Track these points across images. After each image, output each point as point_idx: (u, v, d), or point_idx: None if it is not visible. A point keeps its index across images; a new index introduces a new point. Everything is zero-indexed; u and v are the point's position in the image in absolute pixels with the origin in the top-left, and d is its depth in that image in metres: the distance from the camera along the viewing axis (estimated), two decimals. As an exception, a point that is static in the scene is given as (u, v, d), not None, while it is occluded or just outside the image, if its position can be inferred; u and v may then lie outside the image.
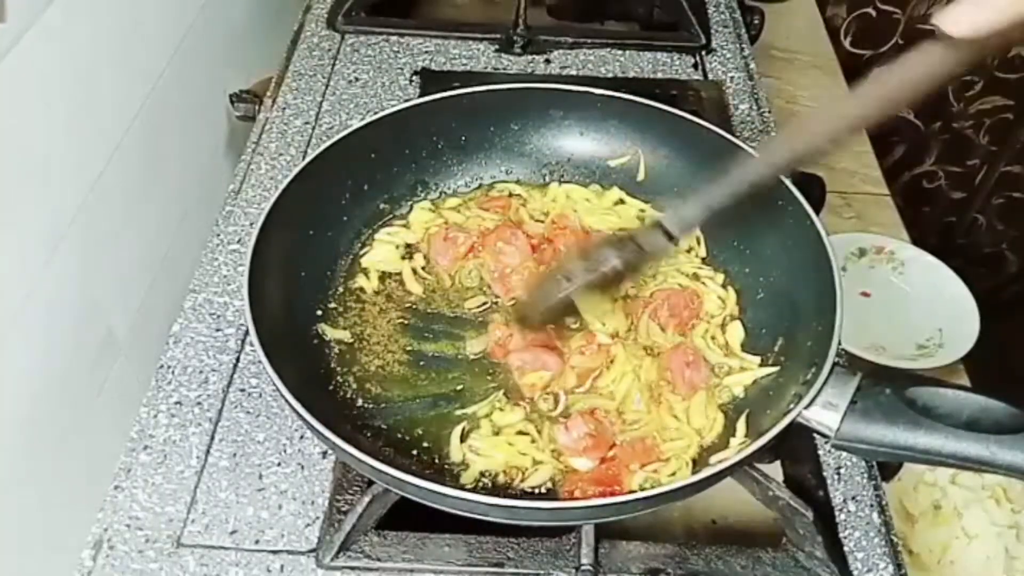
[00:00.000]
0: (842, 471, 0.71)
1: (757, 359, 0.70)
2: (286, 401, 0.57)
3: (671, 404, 0.67)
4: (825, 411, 0.56)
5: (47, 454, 0.74)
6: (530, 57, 1.11)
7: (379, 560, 0.63)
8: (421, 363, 0.71)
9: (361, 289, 0.75)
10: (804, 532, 0.64)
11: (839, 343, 0.60)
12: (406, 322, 0.74)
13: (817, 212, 0.70)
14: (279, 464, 0.70)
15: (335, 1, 1.17)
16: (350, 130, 0.77)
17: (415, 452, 0.65)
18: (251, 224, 0.87)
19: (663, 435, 0.65)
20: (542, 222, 0.81)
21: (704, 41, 1.14)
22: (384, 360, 0.71)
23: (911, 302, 1.16)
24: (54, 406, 0.75)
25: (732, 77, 1.10)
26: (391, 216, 0.81)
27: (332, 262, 0.76)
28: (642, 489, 0.61)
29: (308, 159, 0.73)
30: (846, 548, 0.66)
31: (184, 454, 0.70)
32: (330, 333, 0.71)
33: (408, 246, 0.79)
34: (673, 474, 0.63)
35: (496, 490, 0.62)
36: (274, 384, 0.57)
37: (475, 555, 0.64)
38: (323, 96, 1.03)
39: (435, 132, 0.82)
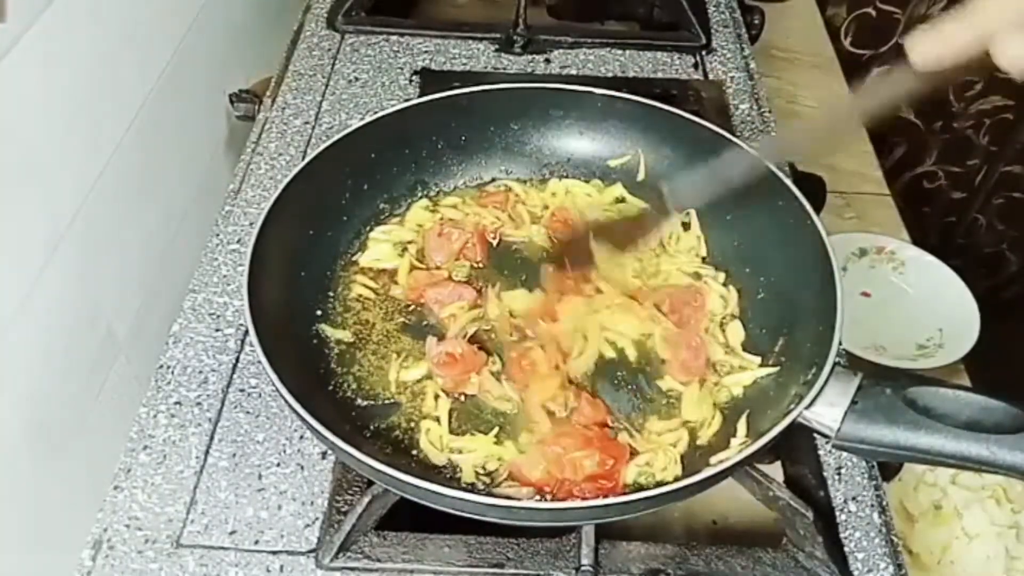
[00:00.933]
0: (842, 471, 0.71)
1: (757, 359, 0.70)
2: (286, 401, 0.57)
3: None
4: (826, 411, 0.56)
5: (47, 454, 0.74)
6: (530, 57, 1.11)
7: (379, 561, 0.63)
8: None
9: (361, 289, 0.75)
10: (804, 532, 0.64)
11: (840, 343, 0.60)
12: (406, 322, 0.74)
13: (817, 212, 0.70)
14: (279, 464, 0.70)
15: (335, 1, 1.17)
16: (350, 130, 0.77)
17: (415, 452, 0.65)
18: (251, 224, 0.87)
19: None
20: (541, 217, 0.81)
21: (704, 41, 1.14)
22: (384, 360, 0.71)
23: (911, 302, 1.16)
24: (54, 406, 0.74)
25: (732, 77, 1.10)
26: (391, 216, 0.81)
27: (332, 262, 0.76)
28: (640, 488, 0.61)
29: (308, 159, 0.73)
30: (846, 548, 0.66)
31: (184, 454, 0.70)
32: (330, 333, 0.71)
33: (406, 243, 0.79)
34: (664, 468, 0.63)
35: (493, 488, 0.62)
36: (274, 384, 0.57)
37: (475, 555, 0.63)
38: (323, 96, 1.03)
39: (435, 132, 0.82)
